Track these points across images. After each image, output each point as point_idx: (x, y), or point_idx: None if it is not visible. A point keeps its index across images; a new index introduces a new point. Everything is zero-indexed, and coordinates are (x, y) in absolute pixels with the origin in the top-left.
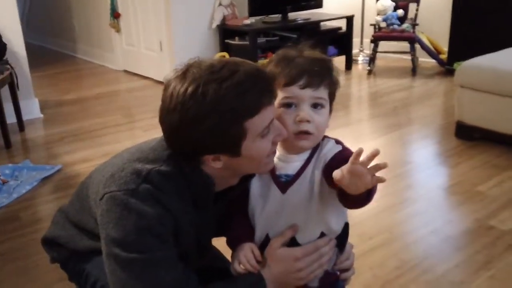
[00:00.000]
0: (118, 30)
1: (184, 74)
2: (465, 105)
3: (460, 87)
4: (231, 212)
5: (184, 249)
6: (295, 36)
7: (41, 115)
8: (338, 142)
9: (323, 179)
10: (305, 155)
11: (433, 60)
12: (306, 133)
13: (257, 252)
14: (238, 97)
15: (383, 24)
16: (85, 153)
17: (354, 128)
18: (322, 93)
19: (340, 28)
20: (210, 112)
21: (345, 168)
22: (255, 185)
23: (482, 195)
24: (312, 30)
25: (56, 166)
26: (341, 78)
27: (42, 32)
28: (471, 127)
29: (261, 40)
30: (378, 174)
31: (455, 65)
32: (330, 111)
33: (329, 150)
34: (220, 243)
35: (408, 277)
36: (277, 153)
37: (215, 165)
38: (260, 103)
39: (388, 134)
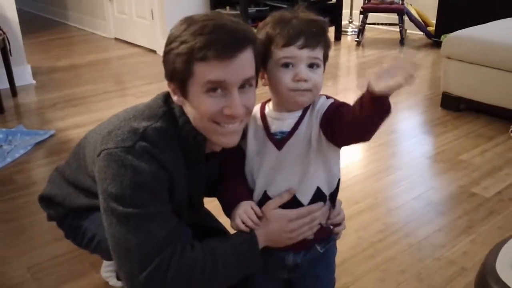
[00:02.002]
0: None
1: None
2: (451, 76)
3: (446, 58)
4: (228, 173)
5: (176, 205)
6: (285, 6)
7: (34, 81)
8: (328, 97)
9: (321, 134)
10: (298, 112)
11: (421, 32)
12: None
13: (257, 208)
14: (194, 34)
15: None
16: (77, 119)
17: (342, 98)
18: (318, 53)
19: None
20: (174, 36)
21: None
22: (251, 145)
23: (465, 163)
24: (302, 0)
25: (49, 131)
26: (331, 49)
27: None
28: (456, 97)
29: (251, 10)
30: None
31: (442, 37)
32: (323, 71)
33: (322, 105)
34: (211, 205)
35: (391, 239)
36: (271, 113)
37: (174, 98)
38: (206, 50)
39: None
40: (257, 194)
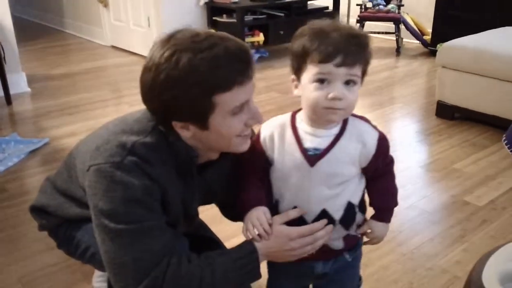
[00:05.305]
0: (106, 5)
1: (169, 38)
2: (446, 85)
3: (442, 67)
4: (244, 172)
5: (171, 217)
6: (282, 15)
7: (29, 89)
8: (366, 120)
9: (359, 162)
10: (335, 130)
11: (417, 41)
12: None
13: (269, 216)
14: (210, 70)
15: (369, 4)
16: (72, 127)
17: None
18: (357, 70)
19: (326, 8)
20: (179, 79)
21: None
22: (279, 155)
23: (459, 172)
24: (299, 9)
25: (43, 139)
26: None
27: (29, 6)
28: (451, 106)
29: (248, 18)
30: None
31: (438, 46)
32: (360, 86)
33: (366, 132)
34: (204, 215)
35: (384, 249)
36: (304, 127)
37: (183, 134)
38: (233, 81)
39: (370, 112)
40: (285, 208)
